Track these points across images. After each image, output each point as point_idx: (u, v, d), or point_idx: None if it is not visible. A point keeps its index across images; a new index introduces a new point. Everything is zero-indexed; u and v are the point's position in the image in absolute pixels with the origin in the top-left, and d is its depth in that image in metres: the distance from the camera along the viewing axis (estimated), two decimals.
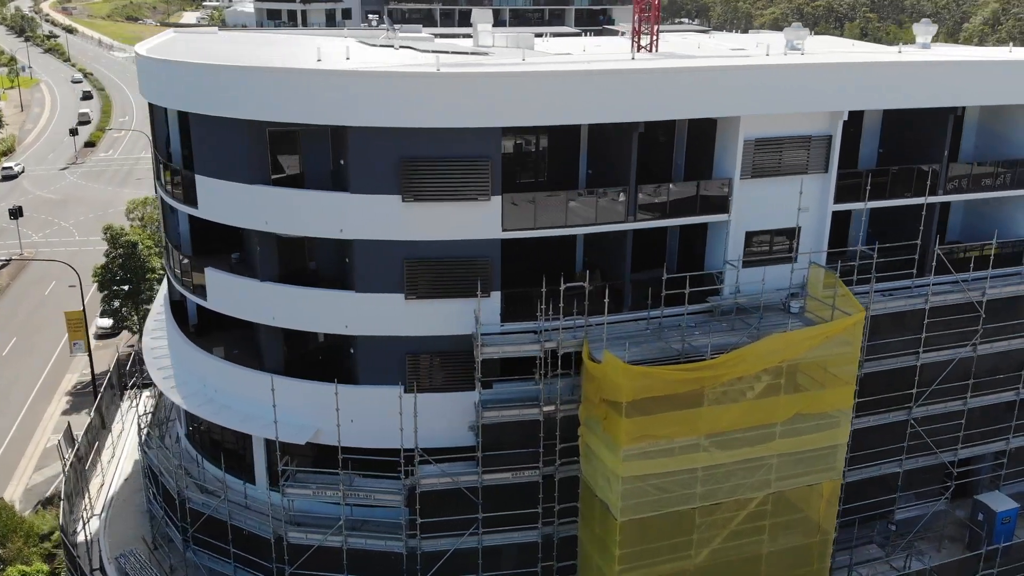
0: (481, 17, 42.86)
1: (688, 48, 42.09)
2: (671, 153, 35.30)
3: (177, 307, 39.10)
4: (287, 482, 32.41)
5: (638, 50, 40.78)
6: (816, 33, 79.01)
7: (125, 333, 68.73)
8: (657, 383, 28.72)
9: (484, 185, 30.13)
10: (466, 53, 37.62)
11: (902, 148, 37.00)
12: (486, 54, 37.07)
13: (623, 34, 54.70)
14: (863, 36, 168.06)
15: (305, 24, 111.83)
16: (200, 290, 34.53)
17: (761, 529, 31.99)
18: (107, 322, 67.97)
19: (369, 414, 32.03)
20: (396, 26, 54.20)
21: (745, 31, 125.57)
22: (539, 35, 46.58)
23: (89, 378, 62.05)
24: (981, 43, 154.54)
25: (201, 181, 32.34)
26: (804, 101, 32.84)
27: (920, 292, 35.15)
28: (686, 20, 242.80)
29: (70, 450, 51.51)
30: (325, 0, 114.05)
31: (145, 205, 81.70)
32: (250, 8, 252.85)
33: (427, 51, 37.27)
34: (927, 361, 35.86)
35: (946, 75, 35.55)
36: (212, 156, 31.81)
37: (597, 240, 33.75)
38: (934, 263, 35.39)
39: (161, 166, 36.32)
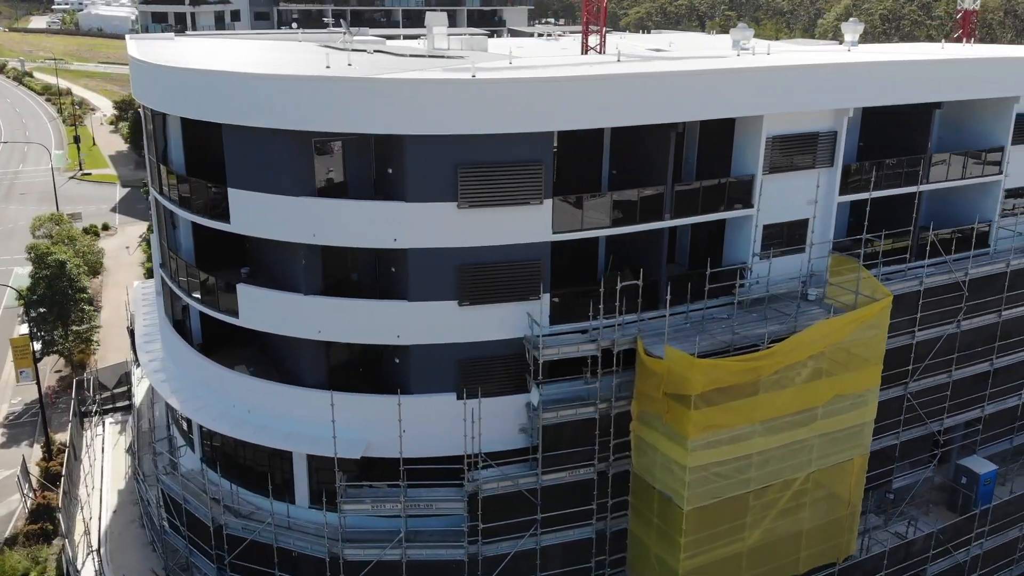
0: (435, 20, 42.84)
1: (627, 48, 43.31)
2: (682, 152, 36.45)
3: (177, 326, 37.70)
4: (343, 498, 31.76)
5: (586, 51, 41.77)
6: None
7: (53, 357, 64.91)
8: (723, 374, 29.85)
9: (537, 189, 30.48)
10: (444, 56, 37.49)
11: (881, 142, 39.49)
12: (462, 57, 36.95)
13: (558, 35, 55.61)
14: (725, 32, 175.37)
15: (195, 27, 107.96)
16: (216, 305, 33.48)
17: (802, 507, 33.66)
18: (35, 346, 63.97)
19: (422, 423, 31.81)
20: (353, 29, 53.66)
21: (612, 30, 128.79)
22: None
23: (20, 408, 58.74)
24: (835, 38, 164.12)
25: (236, 195, 31.29)
26: (819, 99, 34.67)
27: (916, 275, 37.66)
28: (552, 20, 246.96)
29: (27, 484, 48.82)
30: (214, 2, 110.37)
31: (53, 222, 77.45)
32: (104, 11, 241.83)
33: (406, 55, 37.10)
34: (921, 339, 38.48)
35: (934, 72, 38.25)
36: (251, 169, 30.81)
37: (626, 239, 34.54)
38: (928, 248, 37.97)
39: (168, 178, 34.87)
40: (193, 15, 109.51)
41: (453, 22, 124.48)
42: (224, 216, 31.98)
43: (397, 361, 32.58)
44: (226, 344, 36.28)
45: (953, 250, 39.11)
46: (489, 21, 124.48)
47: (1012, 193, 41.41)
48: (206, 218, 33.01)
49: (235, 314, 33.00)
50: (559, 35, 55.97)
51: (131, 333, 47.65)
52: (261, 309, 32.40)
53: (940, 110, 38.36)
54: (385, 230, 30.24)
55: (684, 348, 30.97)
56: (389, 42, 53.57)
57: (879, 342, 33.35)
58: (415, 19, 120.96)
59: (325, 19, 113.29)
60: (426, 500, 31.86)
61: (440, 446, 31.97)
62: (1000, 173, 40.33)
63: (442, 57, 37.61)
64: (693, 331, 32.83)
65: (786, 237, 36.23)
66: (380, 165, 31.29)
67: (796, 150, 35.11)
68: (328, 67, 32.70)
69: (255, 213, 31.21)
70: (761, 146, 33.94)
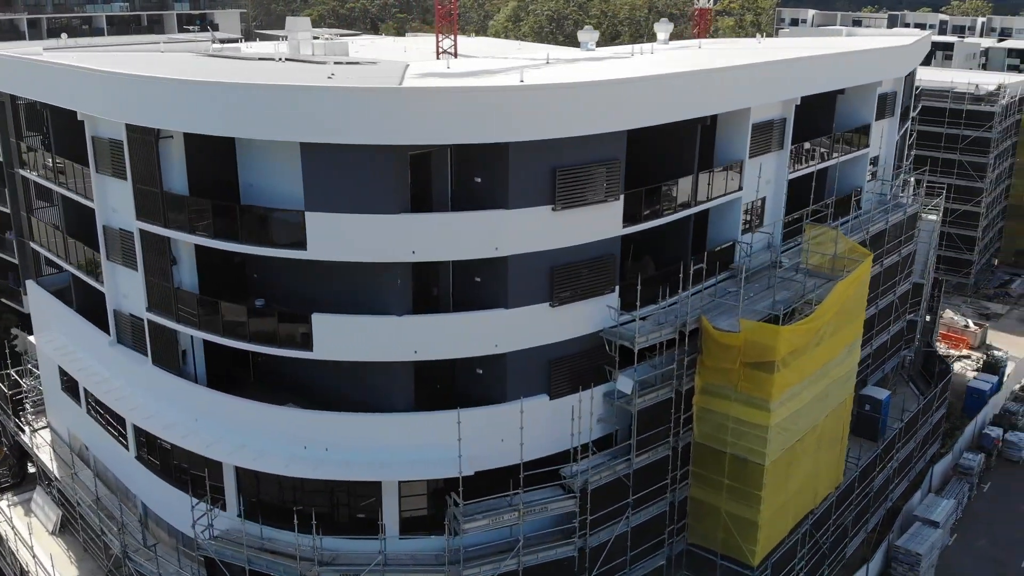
0: (298, 25, 42.16)
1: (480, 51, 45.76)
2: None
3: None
4: (464, 517, 30.92)
5: (440, 55, 43.11)
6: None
7: None
8: (796, 337, 33.33)
9: (615, 185, 31.86)
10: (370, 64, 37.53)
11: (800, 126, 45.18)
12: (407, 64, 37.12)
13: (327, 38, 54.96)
14: (401, 34, 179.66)
15: None
16: (271, 340, 31.01)
17: (821, 447, 38.25)
18: None
19: (518, 428, 31.85)
20: (216, 34, 50.36)
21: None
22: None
23: None
24: (506, 38, 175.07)
25: (316, 219, 29.14)
26: (781, 91, 39.21)
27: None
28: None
29: None
30: None
31: None
32: None
33: (329, 62, 36.59)
34: None
35: (869, 60, 44.68)
36: (337, 190, 28.92)
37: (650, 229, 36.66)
38: (830, 216, 44.29)
39: (186, 208, 31.38)
40: None
41: (161, 27, 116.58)
42: (298, 244, 29.60)
43: (480, 372, 32.25)
44: (233, 384, 33.68)
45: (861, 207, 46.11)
46: (200, 26, 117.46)
47: (874, 161, 49.27)
48: (265, 247, 30.25)
49: (304, 347, 30.66)
50: (327, 38, 54.82)
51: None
52: (345, 337, 30.45)
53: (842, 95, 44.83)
54: (487, 240, 30.00)
55: (731, 322, 34.08)
56: (245, 48, 51.00)
57: (864, 296, 38.74)
58: (120, 25, 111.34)
59: (22, 28, 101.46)
60: (540, 503, 31.99)
61: (535, 448, 32.25)
62: (868, 145, 47.81)
63: (371, 64, 37.36)
64: (719, 306, 35.93)
65: (752, 214, 40.56)
66: (462, 175, 30.77)
67: (763, 136, 39.39)
68: (331, 76, 31.47)
69: (343, 236, 29.28)
70: (748, 134, 37.77)
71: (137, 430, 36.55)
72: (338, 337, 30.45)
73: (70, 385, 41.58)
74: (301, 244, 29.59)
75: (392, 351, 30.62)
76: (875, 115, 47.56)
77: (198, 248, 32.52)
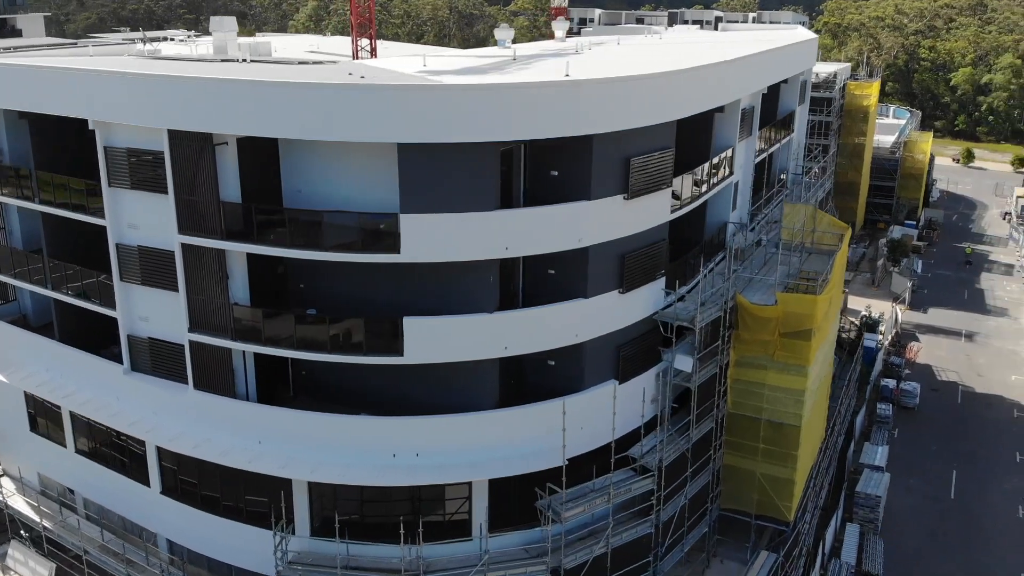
0: (222, 25, 41.26)
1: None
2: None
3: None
4: (566, 506, 31.24)
5: (356, 56, 43.45)
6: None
7: None
8: (826, 306, 36.14)
9: (668, 173, 33.28)
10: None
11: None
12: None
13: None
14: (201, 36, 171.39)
15: None
16: (358, 349, 30.12)
17: (822, 402, 41.53)
18: None
19: (595, 414, 32.67)
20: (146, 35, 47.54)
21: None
22: None
23: None
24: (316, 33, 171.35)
25: (412, 220, 28.51)
26: (762, 81, 42.10)
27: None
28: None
29: None
30: None
31: None
32: None
33: (309, 63, 36.27)
34: None
35: (795, 54, 48.12)
36: (432, 190, 28.44)
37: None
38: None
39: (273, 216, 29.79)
40: None
41: None
42: (389, 247, 28.83)
43: (552, 363, 32.67)
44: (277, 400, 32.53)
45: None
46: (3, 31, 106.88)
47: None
48: (352, 254, 29.18)
49: (394, 352, 29.90)
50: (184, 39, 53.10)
51: None
52: (437, 339, 29.95)
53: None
54: (572, 232, 30.54)
55: (761, 296, 36.57)
56: (163, 48, 48.32)
57: (844, 265, 42.37)
58: None
59: None
60: (624, 485, 32.87)
61: (606, 433, 33.10)
62: (794, 131, 52.03)
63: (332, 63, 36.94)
64: (737, 284, 38.32)
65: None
66: (536, 169, 31.05)
67: (744, 124, 42.14)
68: (362, 77, 30.67)
69: (438, 236, 28.83)
70: (738, 122, 40.33)
71: (164, 463, 34.01)
72: (429, 339, 29.91)
73: (44, 425, 37.85)
74: (393, 247, 28.82)
75: (483, 349, 30.49)
76: (798, 101, 51.80)
77: (251, 260, 30.81)
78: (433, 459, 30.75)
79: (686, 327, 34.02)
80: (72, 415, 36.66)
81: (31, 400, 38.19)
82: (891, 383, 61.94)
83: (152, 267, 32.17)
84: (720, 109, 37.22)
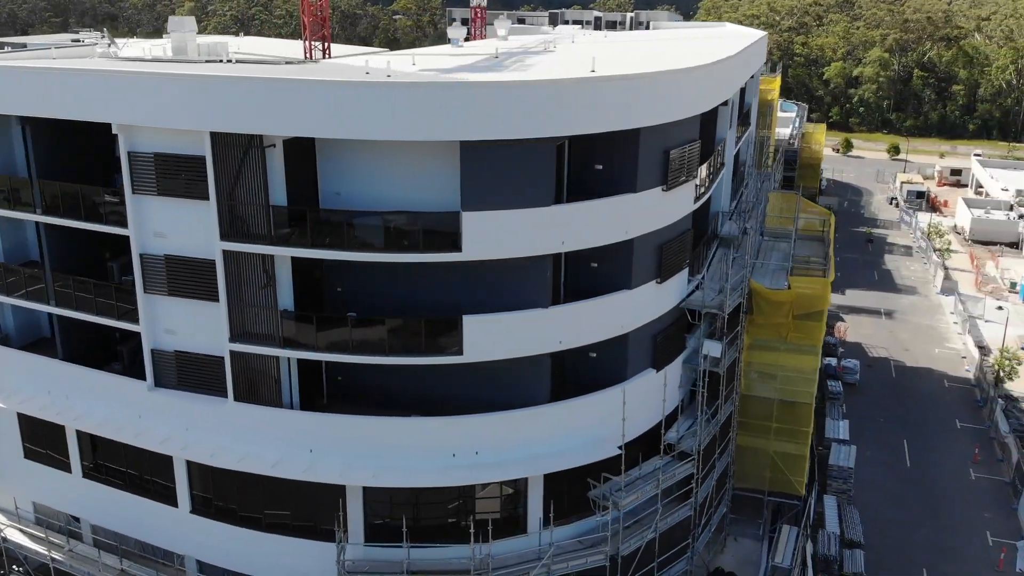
0: (183, 25, 40.55)
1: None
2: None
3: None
4: (622, 492, 31.69)
5: (310, 56, 43.20)
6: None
7: None
8: (830, 288, 37.90)
9: (696, 164, 34.24)
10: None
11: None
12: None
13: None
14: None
15: None
16: (416, 349, 29.82)
17: None
18: None
19: (636, 404, 33.29)
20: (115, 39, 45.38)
21: None
22: None
23: None
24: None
25: (473, 218, 28.41)
26: (747, 74, 43.66)
27: None
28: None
29: None
30: None
31: None
32: None
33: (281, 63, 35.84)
34: None
35: (761, 49, 49.95)
36: (494, 187, 28.40)
37: None
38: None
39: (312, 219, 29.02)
40: None
41: None
42: (449, 246, 28.65)
43: (593, 355, 33.08)
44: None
45: None
46: None
47: None
48: (408, 254, 28.80)
49: (454, 352, 29.72)
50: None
51: None
52: (496, 336, 29.90)
53: None
54: (620, 224, 31.07)
55: (768, 281, 38.10)
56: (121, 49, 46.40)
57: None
58: None
59: None
60: (669, 470, 33.60)
61: (644, 421, 33.85)
62: (751, 124, 54.04)
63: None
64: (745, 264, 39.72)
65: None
66: (580, 163, 31.37)
67: (730, 116, 43.61)
68: (389, 74, 30.45)
69: (499, 233, 28.82)
70: (731, 115, 41.74)
71: (195, 481, 32.69)
72: (488, 337, 29.83)
73: (42, 451, 35.70)
74: (454, 246, 28.65)
75: (540, 344, 30.64)
76: (754, 95, 53.92)
77: (295, 265, 30.02)
78: (492, 457, 30.73)
79: (714, 313, 35.03)
80: (79, 438, 34.71)
81: (26, 425, 35.90)
82: (832, 361, 65.09)
83: (183, 277, 30.86)
84: (725, 103, 38.42)
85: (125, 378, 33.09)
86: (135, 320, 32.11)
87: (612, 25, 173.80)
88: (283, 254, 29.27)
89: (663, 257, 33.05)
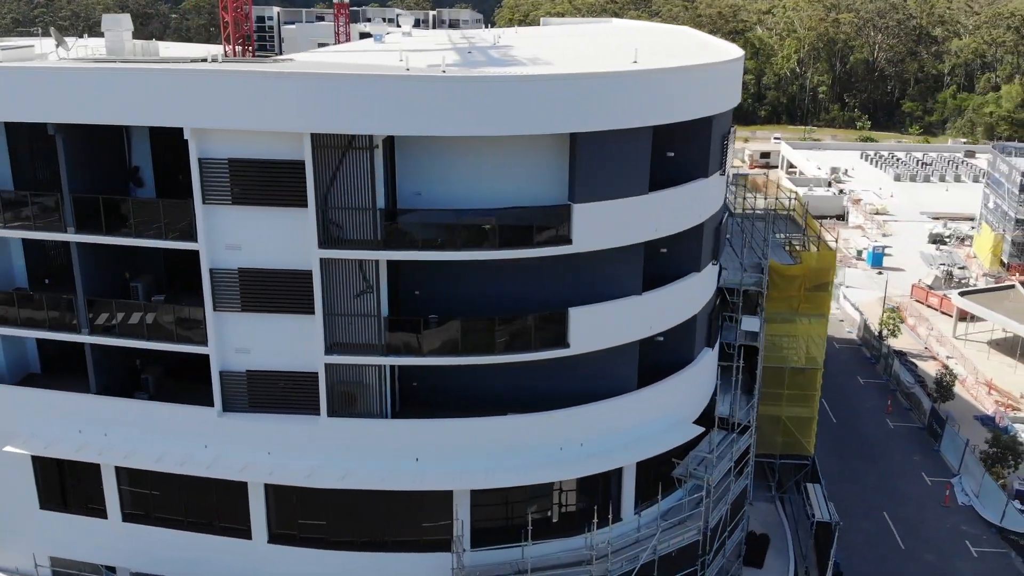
0: (120, 24, 39.15)
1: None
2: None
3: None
4: (712, 467, 32.67)
5: (233, 53, 42.71)
6: None
7: None
8: (835, 261, 40.72)
9: (732, 151, 35.83)
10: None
11: None
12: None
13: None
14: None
15: None
16: (526, 345, 29.57)
17: None
18: None
19: (700, 382, 34.55)
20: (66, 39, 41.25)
21: None
22: None
23: None
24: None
25: (583, 210, 28.47)
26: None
27: None
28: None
29: None
30: None
31: None
32: None
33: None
34: None
35: None
36: (603, 177, 28.59)
37: None
38: None
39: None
40: None
41: None
42: (562, 239, 28.58)
43: (661, 339, 33.86)
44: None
45: None
46: None
47: None
48: (520, 250, 28.42)
49: (562, 345, 29.66)
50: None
51: None
52: (597, 327, 30.06)
53: None
54: (696, 209, 32.11)
55: (779, 259, 40.54)
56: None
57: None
58: None
59: None
60: (738, 444, 34.93)
61: (702, 399, 35.16)
62: None
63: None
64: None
65: None
66: (654, 151, 31.91)
67: None
68: (444, 70, 30.18)
69: (606, 224, 29.04)
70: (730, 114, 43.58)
71: (270, 509, 30.69)
72: (591, 328, 29.95)
73: (67, 498, 32.25)
74: (565, 239, 28.61)
75: (635, 331, 31.12)
76: None
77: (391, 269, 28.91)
78: (597, 447, 30.89)
79: (752, 291, 36.82)
80: (118, 478, 31.53)
81: (44, 471, 32.15)
82: None
83: (262, 291, 28.85)
84: None
85: (186, 406, 30.38)
86: (195, 342, 29.65)
87: (417, 23, 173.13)
88: (391, 258, 28.06)
89: (718, 240, 34.36)
